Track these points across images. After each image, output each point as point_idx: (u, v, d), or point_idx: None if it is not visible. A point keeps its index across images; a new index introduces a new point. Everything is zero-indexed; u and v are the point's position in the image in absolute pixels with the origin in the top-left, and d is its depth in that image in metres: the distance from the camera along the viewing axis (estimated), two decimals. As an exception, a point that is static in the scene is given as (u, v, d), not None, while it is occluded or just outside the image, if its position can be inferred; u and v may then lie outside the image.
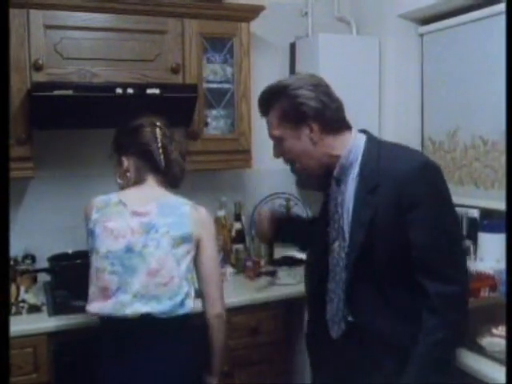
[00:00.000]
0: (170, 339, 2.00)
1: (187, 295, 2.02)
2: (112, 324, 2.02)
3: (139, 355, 1.97)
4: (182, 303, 2.00)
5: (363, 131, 1.90)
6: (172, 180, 2.16)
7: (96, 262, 2.03)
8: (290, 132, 1.85)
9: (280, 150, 1.92)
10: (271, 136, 1.92)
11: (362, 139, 1.86)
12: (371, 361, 1.81)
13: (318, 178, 1.93)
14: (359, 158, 1.83)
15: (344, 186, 1.86)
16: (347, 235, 1.84)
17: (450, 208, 1.79)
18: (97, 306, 2.02)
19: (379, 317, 1.80)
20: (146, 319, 1.97)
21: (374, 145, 1.85)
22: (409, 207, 1.71)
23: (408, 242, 1.73)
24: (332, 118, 1.83)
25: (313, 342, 2.11)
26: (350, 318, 1.85)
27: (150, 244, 1.99)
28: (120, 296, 1.99)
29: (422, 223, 1.71)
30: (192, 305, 2.03)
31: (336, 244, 1.90)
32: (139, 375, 1.97)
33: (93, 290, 2.04)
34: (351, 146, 1.84)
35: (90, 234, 2.06)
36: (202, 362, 2.14)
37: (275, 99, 1.86)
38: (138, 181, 2.13)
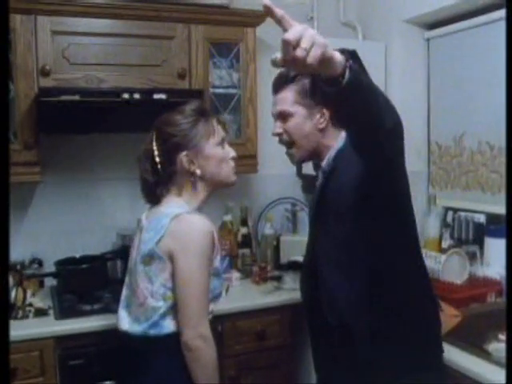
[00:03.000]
0: (147, 362, 1.84)
1: (165, 316, 1.82)
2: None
3: (125, 373, 1.93)
4: (156, 324, 1.82)
5: None
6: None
7: None
8: (304, 110, 1.90)
9: (284, 128, 1.94)
10: (280, 112, 1.93)
11: (347, 139, 1.92)
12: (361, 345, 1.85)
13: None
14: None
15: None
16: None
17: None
18: None
19: (361, 305, 1.84)
20: (128, 337, 1.91)
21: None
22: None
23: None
24: None
25: (310, 332, 2.15)
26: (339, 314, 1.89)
27: (134, 263, 1.91)
28: (120, 310, 1.99)
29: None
30: (173, 327, 1.82)
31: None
32: None
33: None
34: (340, 144, 1.91)
35: None
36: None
37: (301, 74, 1.87)
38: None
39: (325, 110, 1.88)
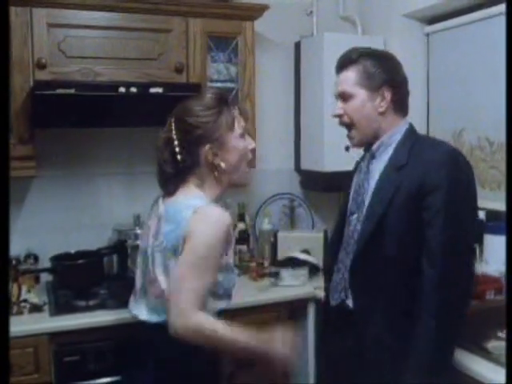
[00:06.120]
0: (162, 352, 1.83)
1: None
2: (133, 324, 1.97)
3: (136, 361, 1.91)
4: None
5: (409, 122, 1.99)
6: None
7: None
8: (365, 92, 1.90)
9: (344, 109, 1.94)
10: (341, 92, 1.94)
11: (405, 127, 1.95)
12: (364, 333, 1.88)
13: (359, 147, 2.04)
14: (397, 142, 1.92)
15: (377, 162, 1.95)
16: (365, 209, 1.91)
17: (470, 195, 1.85)
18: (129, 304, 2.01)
19: (379, 292, 1.86)
20: (144, 327, 1.90)
21: (413, 133, 1.96)
22: (429, 190, 1.77)
23: (423, 224, 1.78)
24: (402, 98, 1.96)
25: (323, 310, 2.20)
26: (349, 298, 1.93)
27: (152, 251, 1.86)
28: (137, 299, 1.96)
29: (440, 207, 1.76)
30: None
31: (354, 216, 1.97)
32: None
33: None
34: (397, 129, 1.94)
35: None
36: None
37: (364, 56, 1.92)
38: None
39: (386, 93, 1.89)
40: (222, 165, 1.84)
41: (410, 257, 1.82)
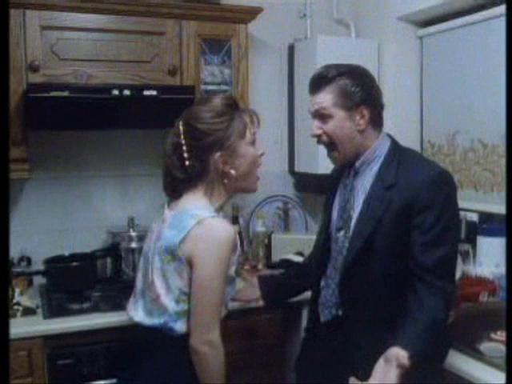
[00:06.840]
0: (155, 357, 1.83)
1: (177, 318, 1.80)
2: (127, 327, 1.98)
3: (131, 364, 1.90)
4: (167, 324, 1.80)
5: (388, 135, 1.99)
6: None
7: None
8: (342, 112, 1.87)
9: (323, 129, 1.91)
10: (318, 111, 1.91)
11: (387, 141, 1.95)
12: (354, 347, 1.87)
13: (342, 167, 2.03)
14: (382, 157, 1.92)
15: (361, 178, 1.94)
16: (353, 225, 1.91)
17: (456, 213, 1.90)
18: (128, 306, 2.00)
19: (369, 307, 1.87)
20: (139, 329, 1.89)
21: (397, 149, 1.95)
22: (420, 210, 1.79)
23: (410, 241, 1.81)
24: (379, 113, 1.93)
25: (308, 324, 2.16)
26: (340, 312, 1.94)
27: (152, 254, 1.85)
28: (136, 300, 1.95)
29: (430, 225, 1.79)
30: (184, 330, 1.80)
31: (341, 233, 1.97)
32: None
33: None
34: (378, 144, 1.93)
35: None
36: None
37: (340, 75, 1.87)
38: None
39: (365, 111, 1.87)
40: (233, 172, 1.82)
41: (398, 271, 1.84)
